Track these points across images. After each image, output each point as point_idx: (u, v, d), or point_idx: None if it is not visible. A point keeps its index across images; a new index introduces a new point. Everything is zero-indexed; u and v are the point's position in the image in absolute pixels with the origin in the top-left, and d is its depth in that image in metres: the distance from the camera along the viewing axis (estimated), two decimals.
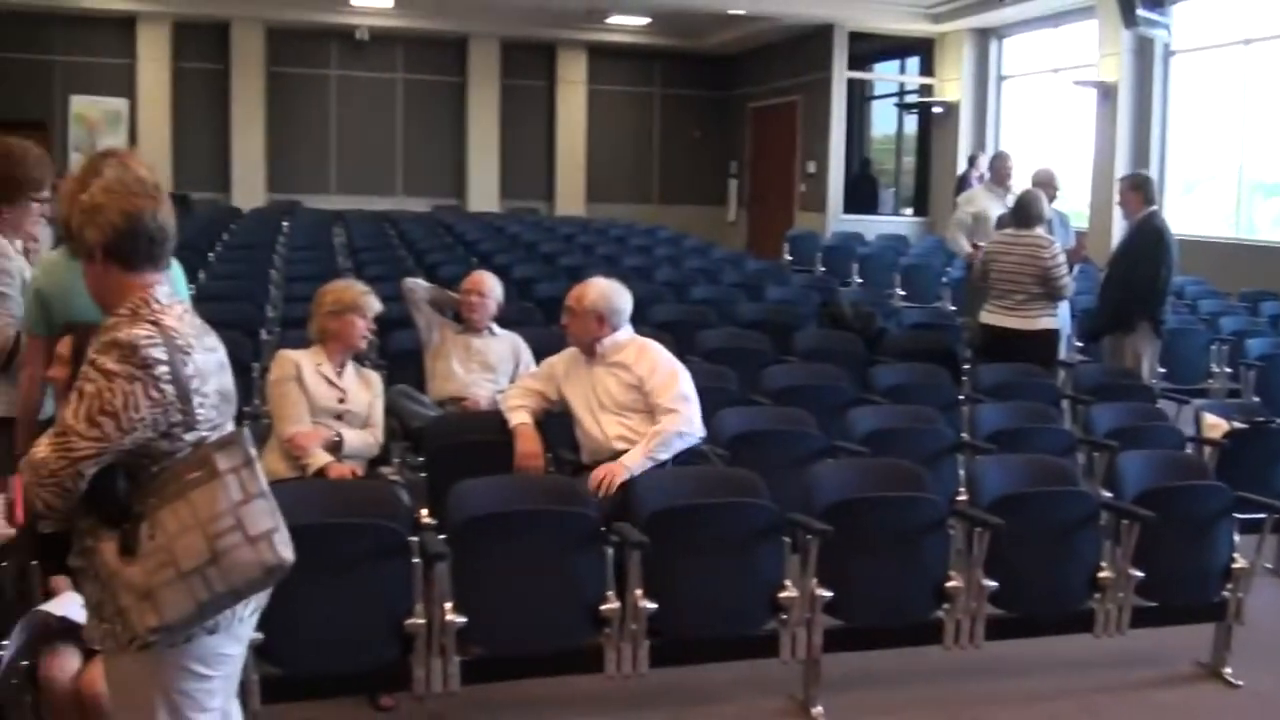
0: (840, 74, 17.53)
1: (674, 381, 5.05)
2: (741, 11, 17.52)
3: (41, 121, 18.35)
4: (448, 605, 3.96)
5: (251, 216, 15.55)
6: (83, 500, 2.51)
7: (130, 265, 2.60)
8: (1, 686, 3.51)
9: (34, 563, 3.61)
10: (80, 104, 19.26)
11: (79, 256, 2.68)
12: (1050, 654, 4.91)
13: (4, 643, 3.37)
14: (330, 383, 5.04)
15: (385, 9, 19.02)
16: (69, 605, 3.44)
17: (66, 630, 3.42)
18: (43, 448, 2.50)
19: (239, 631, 2.67)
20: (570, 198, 20.76)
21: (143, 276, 2.61)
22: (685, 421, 4.96)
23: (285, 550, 2.50)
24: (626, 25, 19.92)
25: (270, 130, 19.69)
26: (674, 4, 17.84)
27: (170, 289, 2.69)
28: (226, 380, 2.71)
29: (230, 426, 2.69)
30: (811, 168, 18.23)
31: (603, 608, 4.10)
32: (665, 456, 4.89)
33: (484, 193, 20.34)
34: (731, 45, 20.15)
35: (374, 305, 5.19)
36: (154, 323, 2.55)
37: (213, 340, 2.70)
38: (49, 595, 3.55)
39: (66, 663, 3.40)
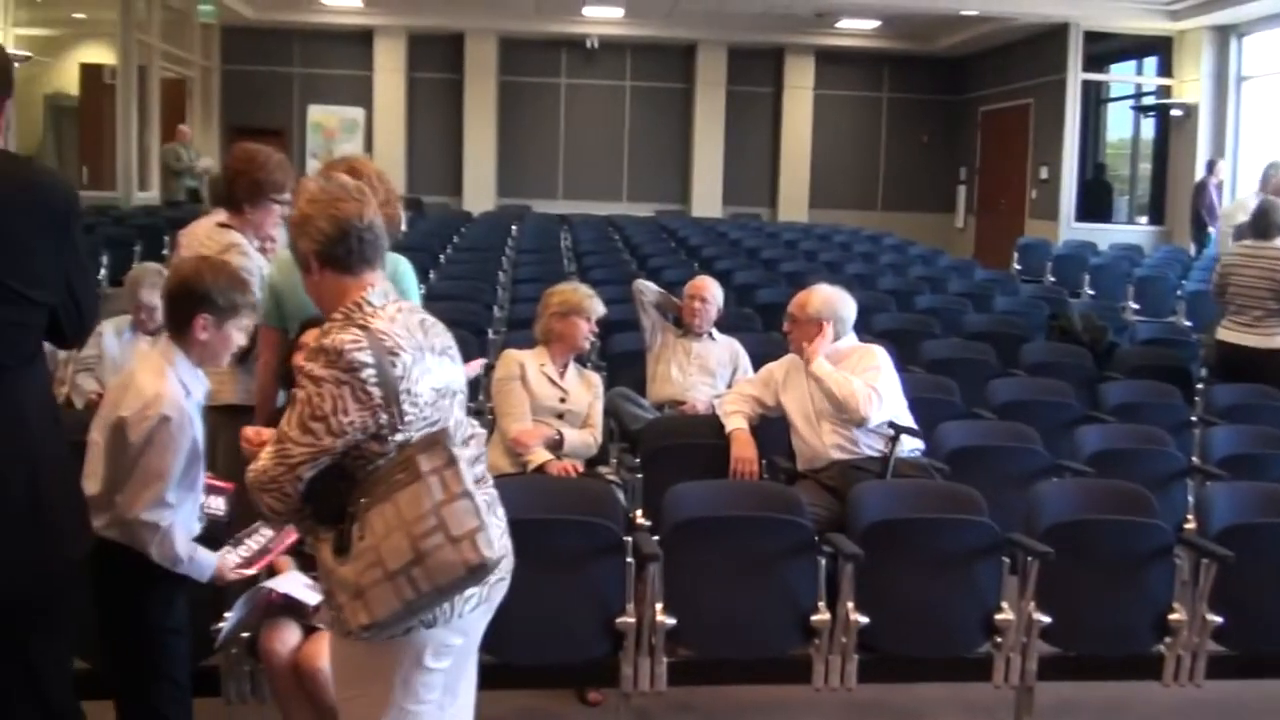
0: (1075, 75, 16.90)
1: (878, 376, 4.97)
2: (974, 12, 17.13)
3: (281, 130, 19.37)
4: (658, 606, 3.99)
5: (481, 220, 15.94)
6: (304, 500, 2.62)
7: (345, 268, 2.69)
8: (222, 655, 3.72)
9: None
10: (318, 113, 20.22)
11: (298, 265, 2.79)
12: (1272, 697, 4.66)
13: (227, 615, 3.53)
14: (553, 383, 5.13)
15: (615, 18, 19.31)
16: (291, 582, 3.61)
17: (287, 606, 3.59)
18: (264, 456, 2.61)
19: (460, 625, 2.70)
20: (793, 203, 20.64)
21: (360, 278, 2.70)
22: (870, 396, 4.86)
23: (488, 549, 2.51)
24: (855, 29, 19.72)
25: (501, 137, 20.23)
26: (904, 6, 17.56)
27: (386, 289, 2.75)
28: (447, 376, 2.74)
29: (456, 419, 2.74)
30: (1044, 173, 17.67)
31: (813, 618, 4.06)
32: (833, 391, 4.83)
33: (707, 198, 20.44)
34: (962, 47, 19.68)
35: (598, 309, 5.27)
36: (362, 327, 2.60)
37: (434, 339, 2.75)
38: (273, 572, 3.71)
39: (286, 636, 3.57)
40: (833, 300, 5.15)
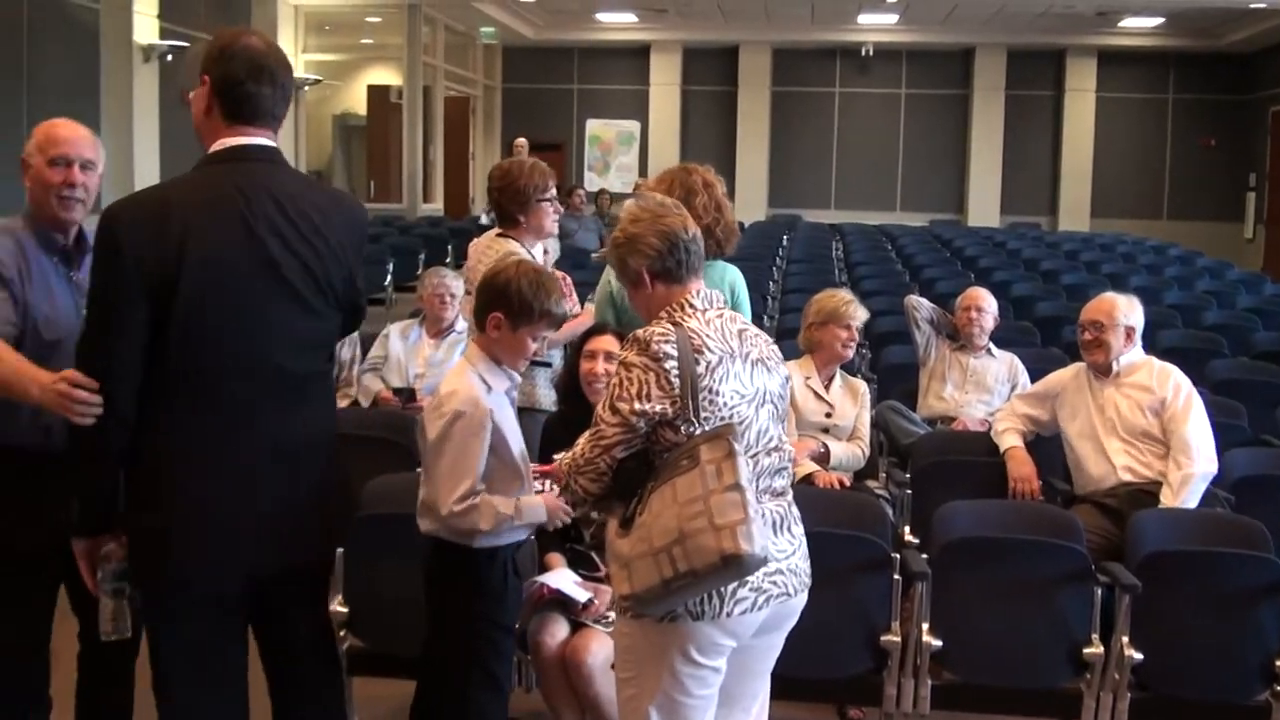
0: None
1: (1198, 410, 4.74)
2: (1263, 4, 16.19)
3: (560, 144, 20.00)
4: (925, 626, 3.91)
5: (753, 230, 16.01)
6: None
7: (675, 279, 2.87)
8: None
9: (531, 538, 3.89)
10: (595, 127, 20.81)
11: (625, 284, 2.97)
12: None
13: None
14: (818, 397, 5.09)
15: (890, 25, 19.14)
16: (562, 579, 3.74)
17: (557, 601, 3.71)
18: (579, 442, 2.79)
19: (730, 625, 2.75)
20: (1074, 212, 20.01)
21: (685, 287, 2.87)
22: (1210, 459, 4.64)
23: (746, 543, 2.54)
24: (1138, 27, 19.03)
25: (773, 147, 20.34)
26: (1190, 1, 16.75)
27: (710, 295, 2.90)
28: (758, 383, 2.83)
29: (761, 427, 2.81)
30: None
31: (1086, 651, 3.89)
32: (1194, 505, 4.57)
33: (983, 207, 20.04)
34: (1251, 43, 18.70)
35: (857, 314, 5.15)
36: (676, 324, 2.79)
37: (750, 347, 2.85)
38: (544, 569, 3.85)
39: (555, 630, 3.68)
40: (1135, 307, 4.95)
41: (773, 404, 2.88)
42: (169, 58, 14.12)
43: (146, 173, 13.68)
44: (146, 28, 13.72)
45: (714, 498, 2.58)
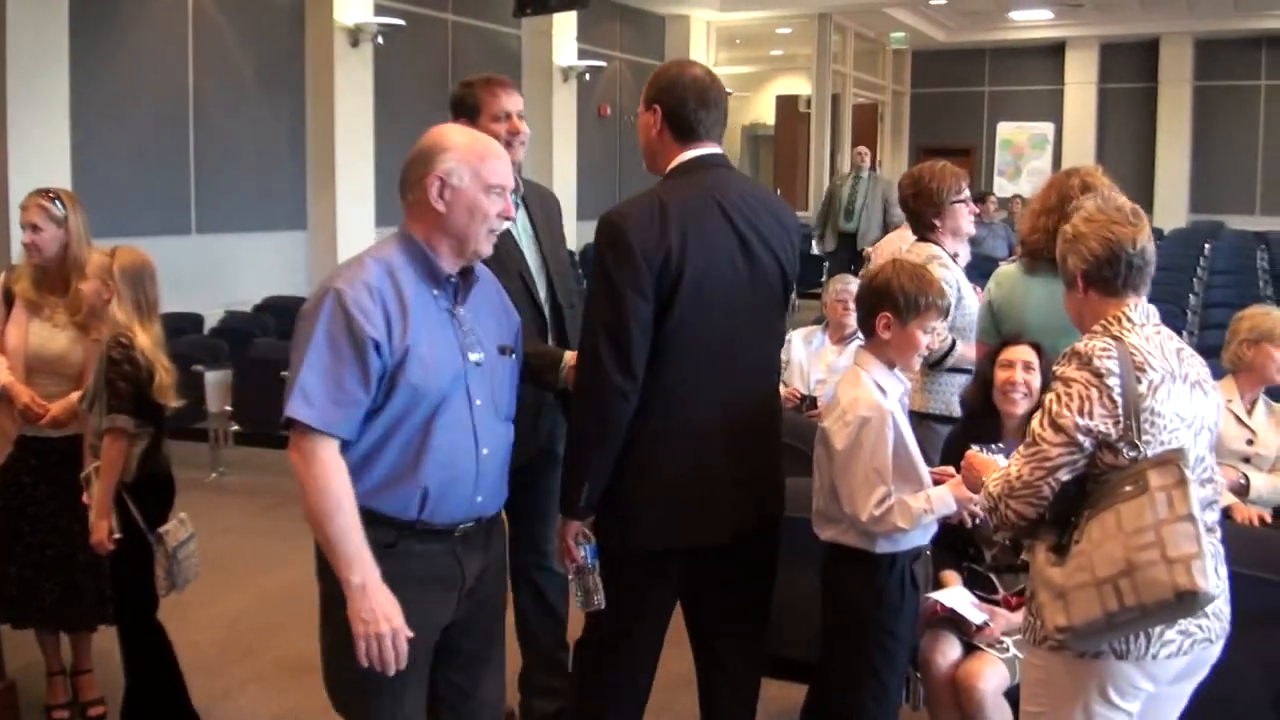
0: None
1: None
2: None
3: (968, 148, 19.71)
4: None
5: (1171, 238, 15.28)
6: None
7: (1110, 291, 2.70)
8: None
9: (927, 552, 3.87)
10: (1006, 130, 20.35)
11: (1063, 280, 2.84)
12: None
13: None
14: (1239, 422, 4.80)
15: None
16: (958, 598, 3.68)
17: (949, 620, 3.66)
18: (1014, 462, 2.68)
19: (1151, 668, 2.62)
20: None
21: (1121, 300, 2.70)
22: None
23: (1201, 579, 2.39)
24: None
25: (1195, 147, 19.21)
26: None
27: (1148, 310, 2.73)
28: (1196, 409, 2.66)
29: (1197, 454, 2.64)
30: None
31: None
32: None
33: None
34: None
35: None
36: (1115, 338, 2.63)
37: (1188, 368, 2.69)
38: (939, 586, 3.79)
39: (947, 649, 3.64)
40: None
41: (1208, 430, 2.71)
42: (586, 77, 14.93)
43: (565, 183, 14.53)
44: (566, 50, 14.57)
45: (1165, 528, 2.43)
